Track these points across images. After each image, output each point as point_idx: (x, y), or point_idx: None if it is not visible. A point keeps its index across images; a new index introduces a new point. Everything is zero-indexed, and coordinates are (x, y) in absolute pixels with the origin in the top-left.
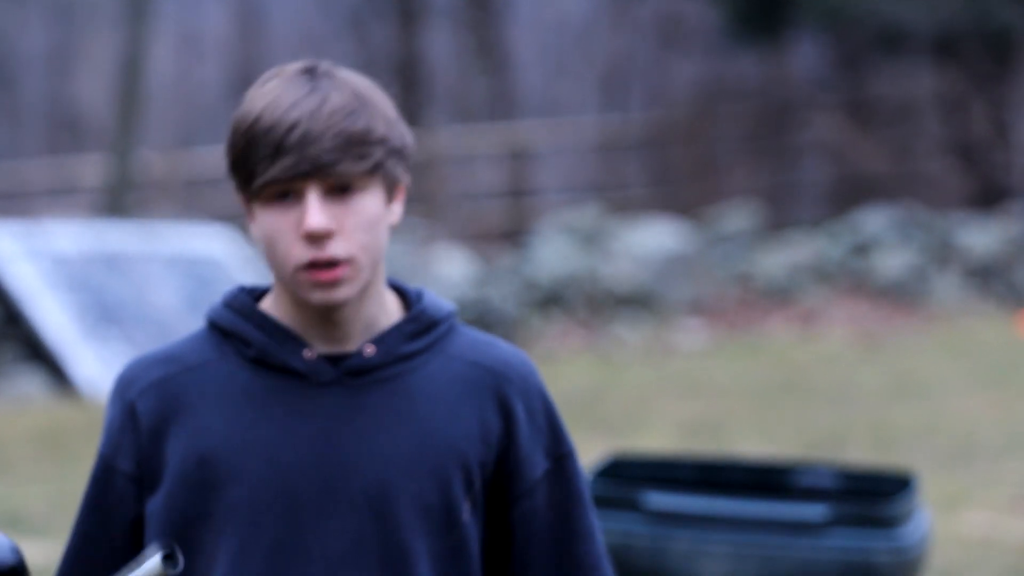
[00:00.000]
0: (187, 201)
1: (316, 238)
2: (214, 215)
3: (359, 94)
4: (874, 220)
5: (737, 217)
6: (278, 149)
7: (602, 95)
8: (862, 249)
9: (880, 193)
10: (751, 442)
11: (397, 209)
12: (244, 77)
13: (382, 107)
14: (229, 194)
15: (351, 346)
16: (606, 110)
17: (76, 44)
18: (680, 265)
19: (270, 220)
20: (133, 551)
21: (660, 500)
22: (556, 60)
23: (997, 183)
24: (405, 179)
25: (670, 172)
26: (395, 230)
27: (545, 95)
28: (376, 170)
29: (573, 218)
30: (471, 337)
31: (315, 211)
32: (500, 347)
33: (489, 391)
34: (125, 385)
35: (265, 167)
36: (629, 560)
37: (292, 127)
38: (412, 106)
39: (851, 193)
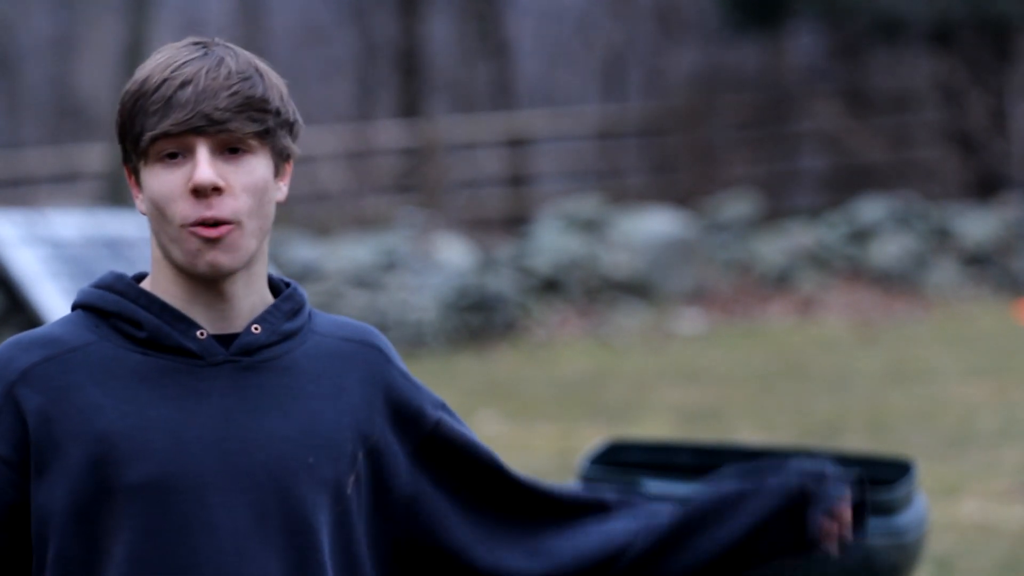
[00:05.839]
0: None
1: (204, 193)
2: None
3: (256, 65)
4: (872, 208)
5: (735, 205)
6: (169, 103)
7: (601, 84)
8: (860, 237)
9: (878, 181)
10: (749, 429)
11: (284, 188)
12: None
13: (277, 83)
14: None
15: (236, 327)
16: (605, 99)
17: (79, 32)
18: (679, 253)
19: (158, 181)
20: (10, 538)
21: (658, 486)
22: (556, 49)
23: (994, 172)
24: (294, 156)
25: (669, 160)
26: (394, 218)
27: (544, 84)
28: (268, 135)
29: (572, 206)
30: (327, 317)
31: (204, 165)
32: (357, 324)
33: (365, 364)
34: (2, 367)
35: (155, 123)
36: None
37: (185, 83)
38: (412, 95)
39: (849, 181)
